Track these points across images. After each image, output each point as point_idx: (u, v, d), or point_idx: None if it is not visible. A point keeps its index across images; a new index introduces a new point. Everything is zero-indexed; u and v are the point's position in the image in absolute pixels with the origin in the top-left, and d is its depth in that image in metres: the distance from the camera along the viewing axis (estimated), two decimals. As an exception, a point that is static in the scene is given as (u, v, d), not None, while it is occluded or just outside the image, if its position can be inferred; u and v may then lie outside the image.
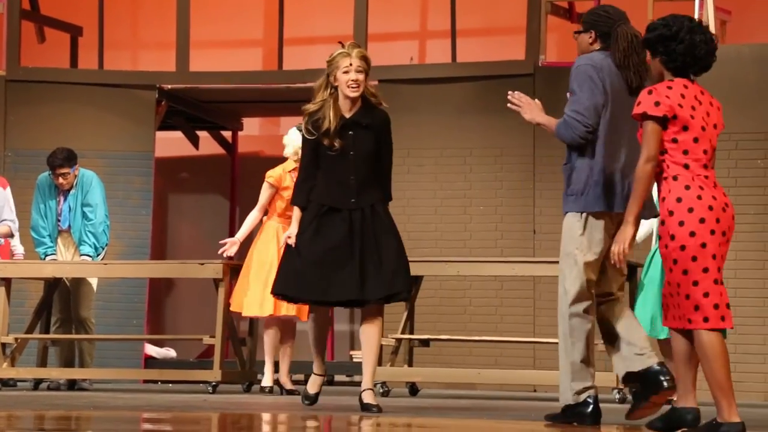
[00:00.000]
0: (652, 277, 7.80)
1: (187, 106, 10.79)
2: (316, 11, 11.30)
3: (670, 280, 5.08)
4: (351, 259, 6.21)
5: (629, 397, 7.92)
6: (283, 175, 8.09)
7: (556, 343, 8.63)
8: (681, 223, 5.01)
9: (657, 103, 5.09)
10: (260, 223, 8.20)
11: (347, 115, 6.37)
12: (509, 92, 5.99)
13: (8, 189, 8.91)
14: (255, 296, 7.97)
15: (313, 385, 6.62)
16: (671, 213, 5.03)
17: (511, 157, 9.65)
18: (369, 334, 6.33)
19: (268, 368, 8.16)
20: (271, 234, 8.04)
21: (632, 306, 7.99)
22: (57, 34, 10.88)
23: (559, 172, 9.58)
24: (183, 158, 11.57)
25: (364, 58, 6.44)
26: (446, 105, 9.86)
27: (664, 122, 5.09)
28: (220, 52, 11.38)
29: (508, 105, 5.97)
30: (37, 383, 8.70)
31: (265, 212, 8.16)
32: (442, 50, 10.63)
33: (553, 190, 9.58)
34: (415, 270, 8.36)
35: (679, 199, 5.03)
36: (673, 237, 5.01)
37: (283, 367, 8.17)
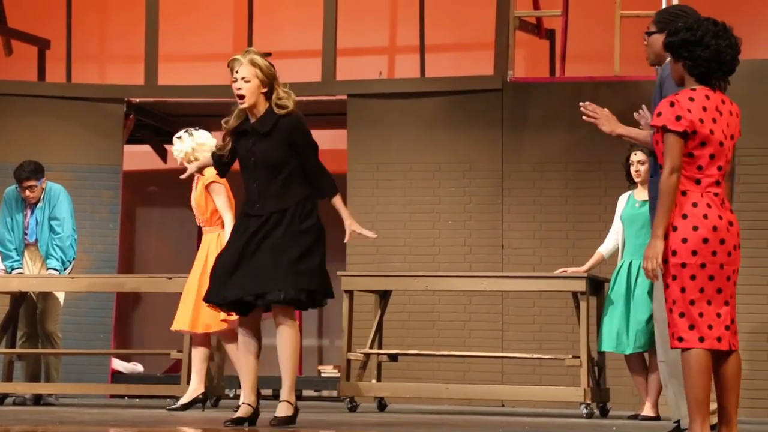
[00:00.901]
0: (617, 292, 7.86)
1: (156, 120, 10.77)
2: (285, 25, 11.30)
3: (666, 297, 4.98)
4: (238, 260, 6.13)
5: (596, 412, 7.95)
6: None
7: (524, 357, 8.71)
8: (684, 240, 4.92)
9: (678, 118, 4.93)
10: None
11: (252, 123, 6.29)
12: (582, 104, 5.68)
13: None
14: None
15: (240, 411, 6.36)
16: (675, 228, 4.93)
17: (480, 171, 9.68)
18: (278, 342, 6.27)
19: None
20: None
21: (599, 321, 8.04)
22: (24, 47, 10.83)
23: (527, 187, 9.69)
24: (151, 172, 11.54)
25: (255, 65, 6.23)
26: (415, 119, 9.88)
27: (683, 136, 4.95)
28: (189, 65, 11.35)
29: (584, 118, 5.69)
30: (2, 398, 8.64)
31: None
32: (410, 65, 10.66)
33: (522, 205, 9.61)
34: (383, 284, 8.42)
35: (684, 216, 4.92)
36: (674, 253, 4.91)
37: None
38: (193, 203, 7.96)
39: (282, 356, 6.27)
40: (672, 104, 4.97)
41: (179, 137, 8.03)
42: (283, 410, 6.26)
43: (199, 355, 7.89)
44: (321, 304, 6.35)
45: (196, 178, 7.81)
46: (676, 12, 5.77)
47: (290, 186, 6.20)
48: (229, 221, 7.76)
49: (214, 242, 7.84)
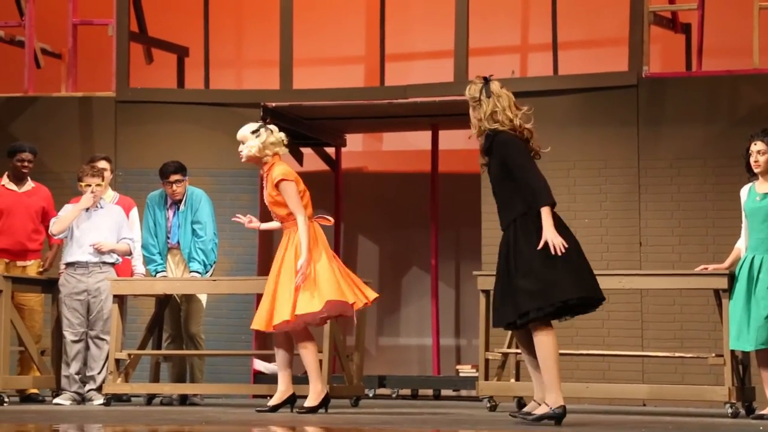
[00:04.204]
0: (739, 287, 7.70)
1: (291, 124, 10.90)
2: (417, 27, 11.35)
3: None
4: None
5: (742, 411, 7.81)
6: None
7: (666, 356, 8.60)
8: None
9: None
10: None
11: None
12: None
13: (134, 209, 9.12)
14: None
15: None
16: None
17: (616, 169, 9.59)
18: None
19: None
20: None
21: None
22: (164, 55, 11.09)
23: (664, 184, 9.56)
24: (288, 175, 11.67)
25: None
26: (548, 118, 9.82)
27: None
28: (323, 69, 11.49)
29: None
30: (150, 398, 8.86)
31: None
32: (543, 63, 10.61)
33: (659, 201, 9.50)
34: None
35: None
36: None
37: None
38: (266, 201, 7.77)
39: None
40: None
41: (256, 132, 7.73)
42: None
43: (282, 356, 7.71)
44: None
45: (265, 176, 7.70)
46: None
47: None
48: (302, 222, 7.61)
49: (293, 241, 7.66)
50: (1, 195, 9.12)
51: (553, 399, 6.40)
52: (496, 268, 6.57)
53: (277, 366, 7.80)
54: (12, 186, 9.16)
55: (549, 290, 6.38)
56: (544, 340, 6.45)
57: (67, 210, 8.77)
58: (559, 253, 6.39)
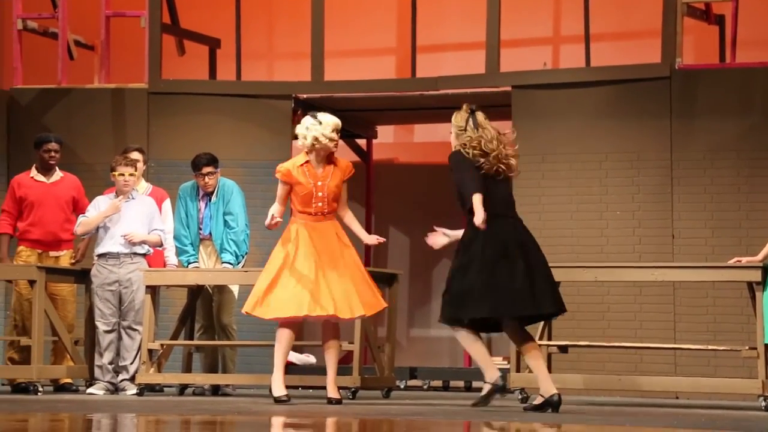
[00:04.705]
0: None
1: (323, 115, 10.91)
2: (448, 18, 11.34)
3: None
4: None
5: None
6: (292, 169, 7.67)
7: (698, 349, 8.56)
8: None
9: None
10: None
11: None
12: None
13: (167, 201, 9.16)
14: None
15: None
16: None
17: (648, 161, 9.56)
18: None
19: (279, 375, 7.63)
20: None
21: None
22: (196, 47, 11.12)
23: (697, 176, 9.52)
24: (319, 166, 11.68)
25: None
26: (581, 110, 9.80)
27: None
28: (354, 60, 11.49)
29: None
30: (182, 388, 8.90)
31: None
32: (575, 55, 10.57)
33: (692, 194, 9.45)
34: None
35: None
36: None
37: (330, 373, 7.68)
38: (324, 191, 7.63)
39: None
40: None
41: (307, 123, 7.66)
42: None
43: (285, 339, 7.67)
44: None
45: (324, 166, 7.62)
46: None
47: None
48: (351, 215, 7.76)
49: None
50: (30, 187, 9.17)
51: (489, 375, 7.18)
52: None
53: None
54: (40, 177, 9.21)
55: (463, 305, 7.01)
56: (457, 336, 7.18)
57: (93, 213, 8.80)
58: (483, 226, 6.89)
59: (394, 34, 11.58)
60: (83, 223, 8.80)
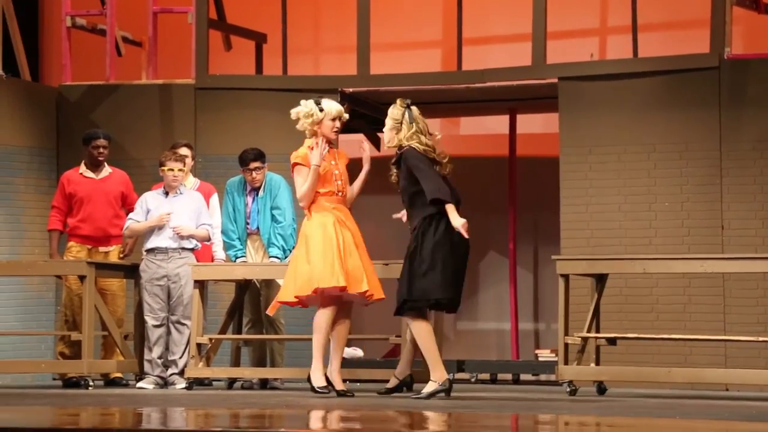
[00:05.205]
0: None
1: (369, 109, 10.92)
2: (494, 11, 11.30)
3: None
4: None
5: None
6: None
7: (749, 341, 8.50)
8: None
9: None
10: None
11: None
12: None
13: (214, 196, 9.22)
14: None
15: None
16: None
17: (697, 152, 9.48)
18: None
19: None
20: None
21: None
22: (242, 42, 11.16)
23: (747, 167, 9.43)
24: (364, 160, 11.69)
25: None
26: (628, 101, 9.74)
27: None
28: (400, 54, 11.48)
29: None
30: (231, 382, 8.95)
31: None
32: (623, 45, 10.50)
33: (742, 185, 9.37)
34: (599, 268, 8.37)
35: None
36: None
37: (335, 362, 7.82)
38: (339, 171, 7.92)
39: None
40: None
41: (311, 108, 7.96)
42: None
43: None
44: None
45: (330, 151, 7.92)
46: None
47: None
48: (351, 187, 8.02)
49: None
50: (79, 183, 9.25)
51: (438, 375, 7.51)
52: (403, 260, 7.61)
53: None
54: (89, 173, 9.29)
55: (427, 288, 7.45)
56: (416, 327, 7.54)
57: (138, 211, 8.88)
58: (466, 234, 7.42)
59: (440, 27, 11.56)
60: (131, 228, 8.90)
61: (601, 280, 8.37)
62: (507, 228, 11.13)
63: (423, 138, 7.63)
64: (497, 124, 11.49)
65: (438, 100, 10.90)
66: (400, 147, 7.65)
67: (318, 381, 7.70)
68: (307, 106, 7.95)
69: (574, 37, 11.06)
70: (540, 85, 10.05)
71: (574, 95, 9.85)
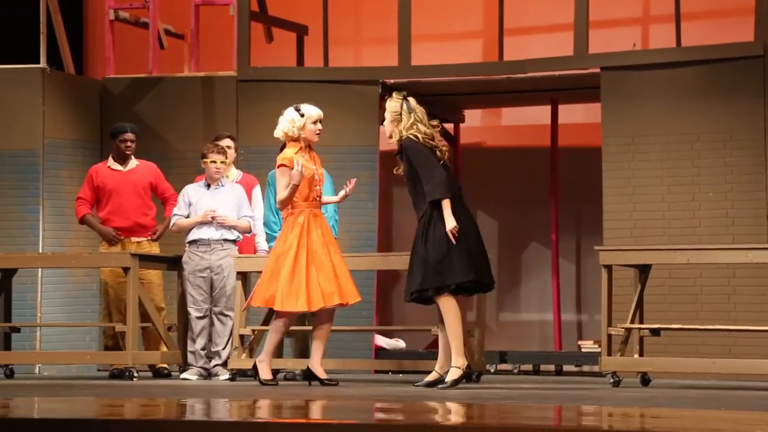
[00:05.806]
0: None
1: (410, 100, 10.90)
2: (535, 0, 11.25)
3: None
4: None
5: None
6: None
7: (794, 331, 8.42)
8: None
9: None
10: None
11: None
12: None
13: (257, 187, 9.25)
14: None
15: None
16: None
17: (741, 141, 9.40)
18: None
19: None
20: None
21: None
22: (284, 34, 11.18)
23: (792, 156, 9.34)
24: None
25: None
26: (671, 90, 9.67)
27: None
28: (441, 45, 11.46)
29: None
30: (274, 373, 8.95)
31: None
32: (666, 34, 10.43)
33: (787, 174, 9.29)
34: (643, 258, 8.33)
35: None
36: None
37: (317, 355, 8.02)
38: (319, 177, 8.09)
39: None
40: None
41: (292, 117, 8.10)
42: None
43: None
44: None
45: (309, 154, 8.07)
46: None
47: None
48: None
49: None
50: (107, 176, 9.32)
51: (462, 361, 7.56)
52: (411, 249, 7.70)
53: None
54: (117, 166, 9.36)
55: (446, 272, 7.51)
56: (446, 310, 7.57)
57: (181, 203, 8.95)
58: (454, 241, 7.51)
59: (481, 18, 11.52)
60: (178, 225, 9.00)
61: (644, 270, 8.33)
62: (549, 219, 11.10)
63: (422, 127, 7.73)
64: (539, 114, 11.45)
65: (479, 90, 10.87)
66: (400, 138, 7.78)
67: (265, 374, 7.97)
68: (287, 116, 8.11)
69: (617, 26, 11.00)
70: (582, 75, 10.01)
71: (616, 85, 9.80)
